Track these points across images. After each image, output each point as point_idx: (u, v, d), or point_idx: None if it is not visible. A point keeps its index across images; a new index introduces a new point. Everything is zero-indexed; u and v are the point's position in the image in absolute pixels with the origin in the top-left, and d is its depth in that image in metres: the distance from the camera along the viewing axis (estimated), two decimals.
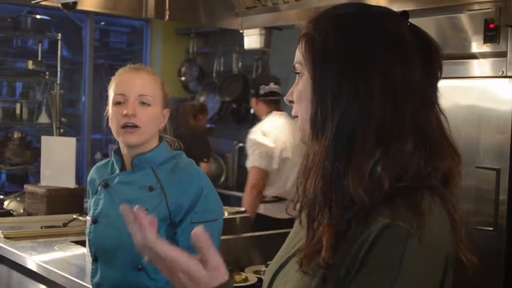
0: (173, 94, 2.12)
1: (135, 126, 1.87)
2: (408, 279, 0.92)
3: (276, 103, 4.31)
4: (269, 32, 3.30)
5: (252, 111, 6.04)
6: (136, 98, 1.88)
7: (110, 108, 1.92)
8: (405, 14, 1.07)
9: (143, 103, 1.88)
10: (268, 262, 2.48)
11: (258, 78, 5.50)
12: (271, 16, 3.25)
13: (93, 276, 1.95)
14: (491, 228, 3.18)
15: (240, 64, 6.20)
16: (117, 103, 1.89)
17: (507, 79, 3.25)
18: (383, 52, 1.00)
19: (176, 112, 4.81)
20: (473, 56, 3.43)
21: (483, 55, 3.37)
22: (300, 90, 1.05)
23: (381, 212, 0.95)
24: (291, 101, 1.08)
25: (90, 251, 1.96)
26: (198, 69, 6.52)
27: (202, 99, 6.47)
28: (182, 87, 6.66)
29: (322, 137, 0.99)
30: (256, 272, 2.56)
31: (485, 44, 3.33)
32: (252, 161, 4.05)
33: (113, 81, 1.94)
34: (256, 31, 3.30)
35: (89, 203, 2.05)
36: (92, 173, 2.06)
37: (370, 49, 1.00)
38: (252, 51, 5.23)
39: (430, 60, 1.04)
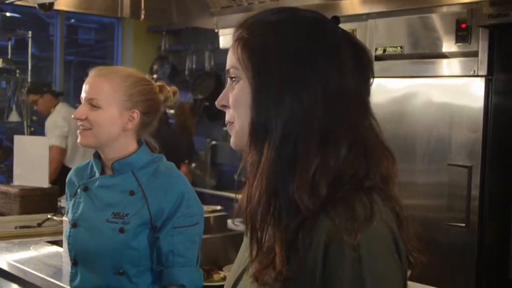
0: None
1: (87, 129, 1.88)
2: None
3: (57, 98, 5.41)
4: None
5: None
6: (87, 101, 1.89)
7: None
8: (336, 19, 1.08)
9: (93, 106, 1.88)
10: None
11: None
12: (246, 16, 3.26)
13: (72, 280, 1.93)
14: (463, 224, 3.24)
15: (212, 62, 6.20)
16: None
17: (478, 78, 3.31)
18: (321, 59, 1.01)
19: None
20: (445, 56, 3.48)
21: (455, 55, 3.43)
22: (237, 95, 1.04)
23: (321, 222, 0.96)
24: (224, 106, 1.07)
25: (70, 255, 1.94)
26: (170, 67, 6.50)
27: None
28: None
29: (263, 145, 0.99)
30: None
31: (457, 44, 3.38)
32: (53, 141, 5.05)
33: None
34: (231, 30, 3.29)
35: (67, 205, 2.03)
36: (71, 175, 2.04)
37: (309, 56, 1.00)
38: (225, 49, 5.24)
39: (362, 65, 1.06)
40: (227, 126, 1.09)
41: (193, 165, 6.02)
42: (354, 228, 0.93)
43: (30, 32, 5.07)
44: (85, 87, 1.92)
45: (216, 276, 2.46)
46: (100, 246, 1.85)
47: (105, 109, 1.88)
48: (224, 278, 2.46)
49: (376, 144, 1.04)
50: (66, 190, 2.03)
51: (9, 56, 5.26)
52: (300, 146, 0.98)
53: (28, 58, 5.18)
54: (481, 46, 3.28)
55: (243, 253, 1.13)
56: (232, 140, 1.08)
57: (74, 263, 1.92)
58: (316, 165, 0.98)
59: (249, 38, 1.03)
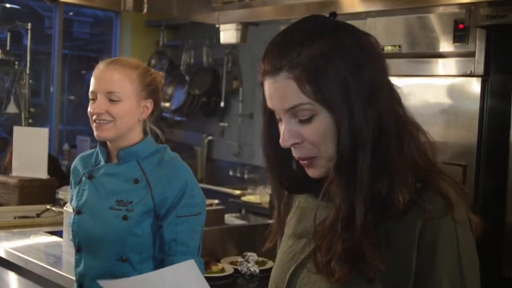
0: None
1: (107, 122, 1.90)
2: (467, 262, 1.04)
3: None
4: (246, 27, 3.34)
5: (222, 104, 6.08)
6: (105, 95, 1.91)
7: None
8: (334, 15, 1.12)
9: (112, 100, 1.90)
10: (245, 253, 2.53)
11: None
12: (247, 12, 3.29)
13: (76, 266, 1.97)
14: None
15: (210, 58, 6.21)
16: (91, 100, 1.94)
17: (475, 78, 3.35)
18: (377, 67, 1.08)
19: None
20: (442, 55, 3.52)
21: (452, 55, 3.46)
22: (320, 130, 1.05)
23: (410, 211, 1.03)
24: (296, 144, 1.07)
25: (74, 242, 1.97)
26: (168, 61, 6.50)
27: (169, 91, 6.46)
28: None
29: (356, 160, 1.03)
30: (232, 263, 2.60)
31: (454, 44, 3.42)
32: None
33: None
34: (232, 26, 3.33)
35: (71, 193, 2.07)
36: (76, 163, 2.07)
37: (370, 68, 1.06)
38: (225, 44, 5.27)
39: None
40: (306, 162, 1.09)
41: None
42: (451, 208, 1.02)
43: (29, 24, 5.08)
44: (98, 81, 1.92)
45: (214, 268, 2.49)
46: (104, 233, 1.89)
47: (125, 101, 1.91)
48: (222, 270, 2.49)
49: (419, 134, 1.12)
50: (71, 178, 2.07)
51: (7, 48, 5.25)
52: (390, 146, 1.04)
53: (27, 50, 5.18)
54: (478, 46, 3.32)
55: (290, 248, 1.18)
56: (316, 172, 1.10)
57: (78, 249, 1.96)
58: (403, 158, 1.05)
59: (309, 74, 1.03)
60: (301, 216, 1.20)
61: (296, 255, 1.16)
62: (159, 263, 1.91)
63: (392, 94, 1.09)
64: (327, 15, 1.11)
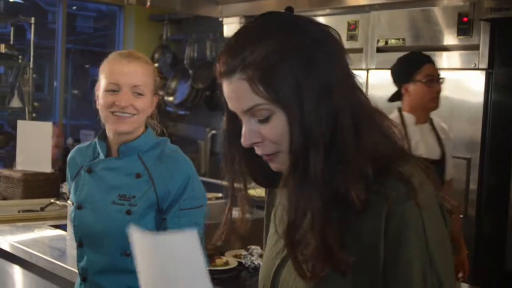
0: None
1: (131, 115, 1.89)
2: (436, 245, 1.01)
3: None
4: (249, 20, 3.34)
5: None
6: (130, 88, 1.89)
7: (101, 93, 1.91)
8: (290, 9, 1.09)
9: (137, 94, 1.90)
10: (249, 247, 2.54)
11: None
12: (250, 5, 3.29)
13: (79, 261, 1.96)
14: (461, 216, 3.28)
15: (214, 52, 6.20)
16: (109, 91, 1.89)
17: (479, 71, 3.35)
18: (330, 59, 1.04)
19: None
20: (446, 49, 3.52)
21: (456, 48, 3.46)
22: (279, 128, 1.04)
23: (373, 202, 1.01)
24: (257, 143, 1.07)
25: (75, 237, 1.96)
26: (172, 55, 6.50)
27: (173, 85, 6.46)
28: None
29: (308, 159, 1.01)
30: (236, 256, 2.60)
31: (458, 37, 3.41)
32: None
33: (105, 66, 1.92)
34: (235, 19, 3.33)
35: (69, 185, 2.05)
36: (73, 153, 2.05)
37: (331, 69, 1.03)
38: (227, 39, 5.26)
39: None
40: (269, 158, 1.09)
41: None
42: (413, 194, 1.00)
43: (33, 18, 5.08)
44: (123, 74, 1.89)
45: (218, 261, 2.49)
46: (107, 228, 1.88)
47: (146, 95, 1.92)
48: (226, 263, 2.49)
49: (385, 121, 1.09)
50: (68, 171, 2.05)
51: (11, 42, 5.26)
52: (346, 142, 1.02)
53: (31, 44, 5.19)
54: (482, 39, 3.32)
55: (275, 245, 1.18)
56: (280, 166, 1.09)
57: (80, 244, 1.95)
58: (362, 155, 1.02)
59: (262, 74, 1.02)
60: (281, 213, 1.20)
61: (279, 253, 1.17)
62: None
63: (352, 87, 1.06)
64: (284, 11, 1.09)
